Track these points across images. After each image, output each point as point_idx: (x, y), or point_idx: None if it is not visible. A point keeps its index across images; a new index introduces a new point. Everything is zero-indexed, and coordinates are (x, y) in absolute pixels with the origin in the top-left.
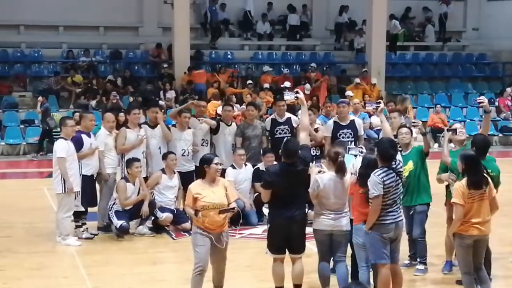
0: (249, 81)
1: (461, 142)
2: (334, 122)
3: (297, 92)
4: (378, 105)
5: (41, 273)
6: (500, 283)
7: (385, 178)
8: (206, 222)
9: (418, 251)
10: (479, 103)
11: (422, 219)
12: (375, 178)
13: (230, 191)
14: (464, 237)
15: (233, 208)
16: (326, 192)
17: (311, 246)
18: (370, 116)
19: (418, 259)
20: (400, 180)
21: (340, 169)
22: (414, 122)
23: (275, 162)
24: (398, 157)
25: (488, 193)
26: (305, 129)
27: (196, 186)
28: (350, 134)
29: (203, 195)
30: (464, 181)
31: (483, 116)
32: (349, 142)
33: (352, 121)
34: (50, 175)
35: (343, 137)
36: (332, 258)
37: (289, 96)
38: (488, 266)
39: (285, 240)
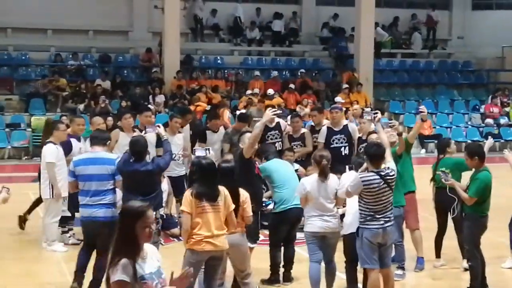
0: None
1: (391, 144)
2: (328, 128)
3: (376, 113)
4: (375, 114)
5: (27, 280)
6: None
7: (365, 179)
8: None
9: (397, 256)
10: (420, 112)
11: (399, 222)
12: (356, 177)
13: None
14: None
15: None
16: (312, 194)
17: (301, 251)
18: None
19: (397, 264)
20: (388, 187)
21: (322, 172)
22: (390, 123)
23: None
24: (392, 166)
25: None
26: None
27: None
28: (344, 139)
29: None
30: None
31: (417, 122)
32: (343, 147)
33: (345, 126)
34: (35, 179)
35: (336, 143)
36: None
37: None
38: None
39: None
